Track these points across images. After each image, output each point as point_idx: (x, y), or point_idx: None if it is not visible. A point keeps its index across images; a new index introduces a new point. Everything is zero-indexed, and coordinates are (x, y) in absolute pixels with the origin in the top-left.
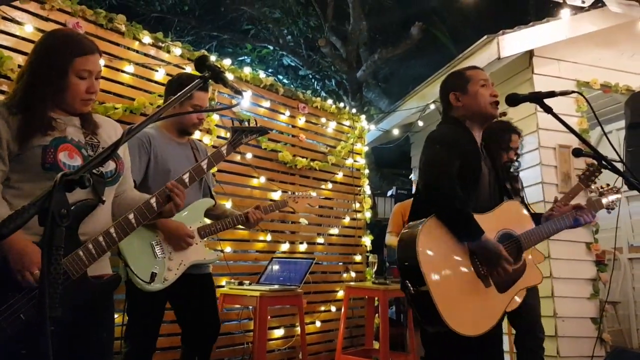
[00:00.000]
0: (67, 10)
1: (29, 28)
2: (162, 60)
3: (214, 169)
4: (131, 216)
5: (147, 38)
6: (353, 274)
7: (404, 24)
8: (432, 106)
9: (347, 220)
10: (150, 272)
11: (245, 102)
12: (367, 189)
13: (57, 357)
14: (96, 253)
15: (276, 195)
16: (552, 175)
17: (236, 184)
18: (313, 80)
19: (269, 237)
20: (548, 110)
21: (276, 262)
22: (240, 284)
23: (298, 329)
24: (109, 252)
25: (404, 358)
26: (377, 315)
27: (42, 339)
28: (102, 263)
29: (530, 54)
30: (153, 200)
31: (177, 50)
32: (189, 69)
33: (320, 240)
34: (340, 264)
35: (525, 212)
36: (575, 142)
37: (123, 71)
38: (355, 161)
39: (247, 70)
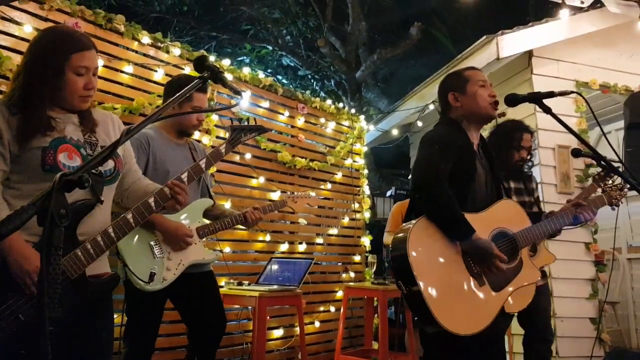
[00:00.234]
0: (66, 10)
1: (28, 28)
2: (161, 61)
3: (213, 169)
4: (129, 216)
5: (146, 38)
6: (352, 274)
7: (403, 24)
8: (432, 106)
9: (346, 220)
10: (149, 272)
11: (245, 102)
12: (366, 189)
13: (56, 358)
14: (94, 253)
15: (275, 196)
16: (551, 176)
17: (235, 184)
18: (312, 81)
19: (268, 238)
20: (547, 110)
21: (275, 262)
22: (240, 284)
23: (297, 329)
24: (107, 252)
25: (403, 358)
26: (376, 315)
27: (41, 339)
28: (101, 262)
29: (529, 54)
30: (152, 200)
31: (176, 51)
32: (188, 69)
33: (320, 240)
34: (340, 264)
35: (521, 210)
36: (574, 143)
37: (122, 71)
38: (354, 161)
39: (246, 70)
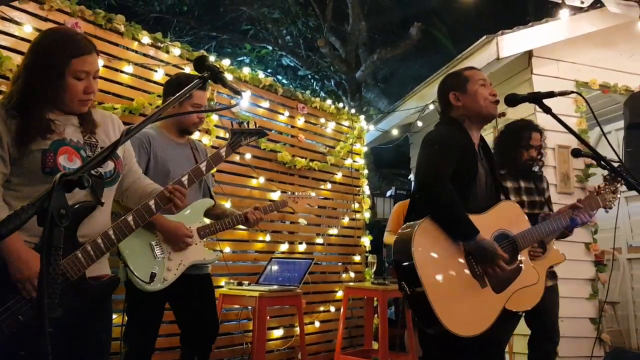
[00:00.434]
0: (66, 10)
1: (27, 28)
2: (161, 61)
3: (213, 170)
4: (130, 218)
5: (146, 38)
6: (352, 274)
7: (403, 24)
8: (432, 106)
9: (346, 220)
10: (150, 272)
11: (244, 102)
12: (366, 189)
13: (56, 358)
14: (95, 255)
15: (275, 196)
16: (551, 176)
17: (235, 184)
18: (312, 81)
19: (268, 238)
20: (547, 110)
21: (275, 262)
22: (240, 284)
23: (297, 329)
24: (107, 253)
25: (403, 358)
26: (376, 315)
27: (41, 340)
28: (101, 264)
29: (529, 54)
30: (152, 203)
31: (176, 51)
32: (188, 69)
33: (320, 240)
34: (340, 264)
35: (521, 212)
36: (574, 143)
37: (122, 71)
38: (354, 161)
39: (246, 70)
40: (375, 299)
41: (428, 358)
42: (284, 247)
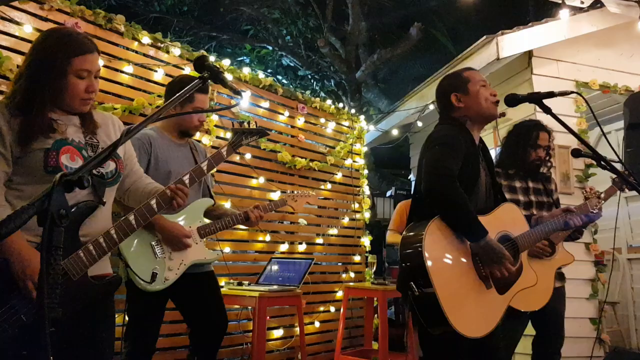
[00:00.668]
0: (66, 10)
1: (28, 28)
2: (161, 61)
3: (213, 169)
4: (131, 217)
5: (146, 38)
6: (352, 275)
7: (403, 25)
8: (431, 107)
9: (346, 220)
10: (151, 272)
11: (245, 102)
12: (366, 190)
13: (58, 358)
14: (96, 254)
15: (275, 196)
16: None
17: (235, 184)
18: (312, 81)
19: (268, 238)
20: (547, 110)
21: (275, 262)
22: (240, 284)
23: (297, 329)
24: (109, 253)
25: (403, 358)
26: (376, 315)
27: (41, 339)
28: (103, 263)
29: (529, 54)
30: (153, 202)
31: (176, 51)
32: (188, 69)
33: (320, 240)
34: (340, 264)
35: (521, 214)
36: (574, 143)
37: (122, 71)
38: (354, 161)
39: (246, 70)
40: (375, 299)
41: (429, 359)
42: (284, 247)
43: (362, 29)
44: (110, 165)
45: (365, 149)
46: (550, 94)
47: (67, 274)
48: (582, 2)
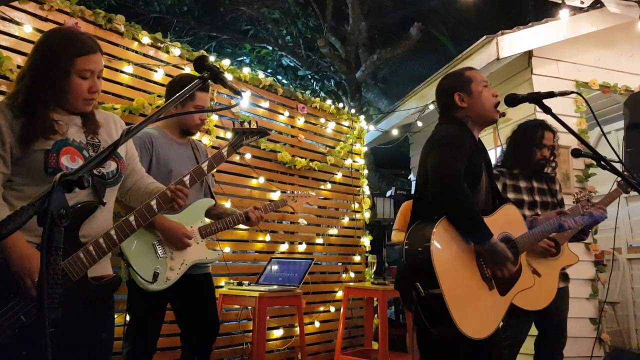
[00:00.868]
0: (66, 10)
1: (27, 28)
2: (161, 61)
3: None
4: (132, 218)
5: (146, 38)
6: (352, 275)
7: (403, 25)
8: (432, 106)
9: (346, 220)
10: (153, 272)
11: (245, 102)
12: (366, 190)
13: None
14: (97, 255)
15: (275, 196)
16: None
17: (235, 184)
18: (312, 81)
19: (268, 238)
20: (547, 110)
21: (275, 262)
22: (240, 284)
23: (297, 329)
24: (109, 253)
25: (403, 358)
26: (376, 315)
27: (41, 340)
28: (103, 264)
29: (529, 54)
30: (154, 202)
31: (176, 51)
32: (188, 69)
33: (320, 240)
34: (340, 264)
35: (520, 216)
36: (574, 143)
37: (122, 71)
38: (354, 161)
39: (246, 70)
40: (375, 299)
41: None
42: (284, 247)
43: (362, 29)
44: (112, 165)
45: (365, 149)
46: (550, 94)
47: (67, 274)
48: (582, 2)
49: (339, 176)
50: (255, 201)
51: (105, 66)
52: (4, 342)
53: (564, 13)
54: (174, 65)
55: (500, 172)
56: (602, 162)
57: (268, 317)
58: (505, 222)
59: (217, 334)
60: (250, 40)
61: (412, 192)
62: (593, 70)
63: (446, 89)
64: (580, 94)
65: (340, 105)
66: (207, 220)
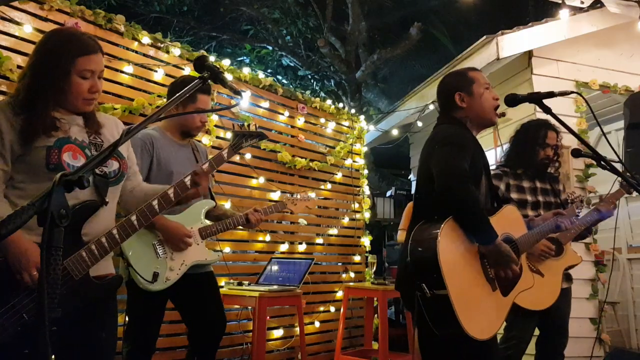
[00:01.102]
0: (66, 10)
1: (27, 28)
2: (161, 61)
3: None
4: (134, 218)
5: (146, 38)
6: (352, 275)
7: (403, 25)
8: (432, 106)
9: (346, 220)
10: (153, 272)
11: (244, 102)
12: (366, 190)
13: (59, 357)
14: (98, 254)
15: (275, 196)
16: None
17: (235, 184)
18: (312, 81)
19: (268, 238)
20: (547, 110)
21: (275, 262)
22: (240, 284)
23: (297, 329)
24: (111, 253)
25: (403, 358)
26: (376, 315)
27: (41, 339)
28: (105, 263)
29: (529, 54)
30: (155, 202)
31: (176, 51)
32: (188, 69)
33: (320, 240)
34: (340, 264)
35: (521, 217)
36: (574, 143)
37: (122, 71)
38: (354, 161)
39: (246, 70)
40: (375, 299)
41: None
42: (284, 247)
43: (362, 29)
44: (114, 165)
45: (365, 149)
46: (550, 94)
47: (69, 273)
48: (582, 2)
49: (339, 176)
50: (255, 201)
51: (105, 66)
52: (5, 341)
53: (564, 13)
54: (174, 65)
55: (504, 172)
56: (602, 162)
57: (268, 317)
58: (507, 223)
59: (224, 331)
60: (250, 40)
61: (412, 192)
62: (593, 70)
63: (447, 87)
64: (580, 94)
65: (340, 105)
66: (207, 222)
